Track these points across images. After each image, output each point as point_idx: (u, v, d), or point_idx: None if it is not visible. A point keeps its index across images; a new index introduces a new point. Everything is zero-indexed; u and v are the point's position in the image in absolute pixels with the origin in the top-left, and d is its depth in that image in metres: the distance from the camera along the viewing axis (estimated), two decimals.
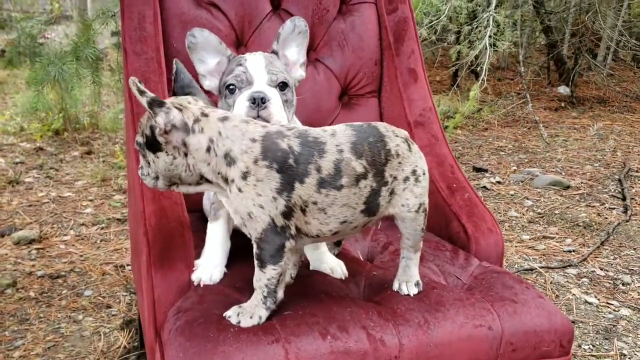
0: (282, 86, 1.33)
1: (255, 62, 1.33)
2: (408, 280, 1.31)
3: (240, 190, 1.11)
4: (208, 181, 1.16)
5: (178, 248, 1.29)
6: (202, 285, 1.28)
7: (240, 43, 1.77)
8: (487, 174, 4.17)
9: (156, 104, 1.09)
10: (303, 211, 1.15)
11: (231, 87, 1.33)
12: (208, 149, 1.12)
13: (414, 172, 1.24)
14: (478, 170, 4.22)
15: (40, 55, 3.01)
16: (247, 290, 1.25)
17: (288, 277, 1.29)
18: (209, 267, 1.31)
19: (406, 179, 1.23)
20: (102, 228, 3.05)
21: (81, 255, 2.75)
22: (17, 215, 3.14)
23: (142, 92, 1.08)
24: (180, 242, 1.30)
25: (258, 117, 1.27)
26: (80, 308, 2.30)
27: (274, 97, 1.29)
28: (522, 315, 1.25)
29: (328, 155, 1.15)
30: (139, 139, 1.16)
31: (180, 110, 1.12)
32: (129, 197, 1.79)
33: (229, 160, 1.12)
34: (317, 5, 1.80)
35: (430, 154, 1.69)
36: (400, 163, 1.22)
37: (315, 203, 1.14)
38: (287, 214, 1.12)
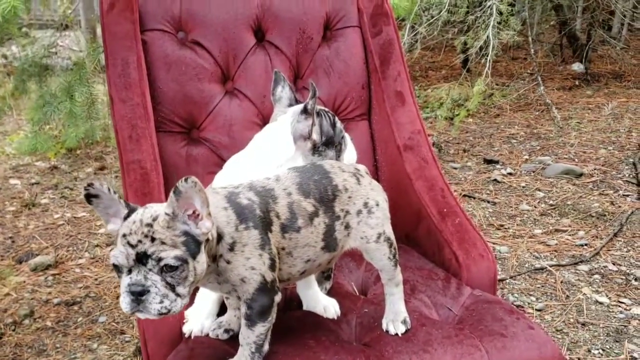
0: None
1: None
2: (395, 318, 1.32)
3: (228, 262, 1.11)
4: None
5: None
6: (192, 338, 1.31)
7: (226, 78, 1.78)
8: (498, 166, 4.14)
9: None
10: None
11: (343, 135, 1.45)
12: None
13: (365, 204, 1.26)
14: (489, 162, 4.18)
15: (48, 71, 3.05)
16: (237, 340, 1.27)
17: (237, 327, 1.29)
18: (200, 318, 1.33)
19: (359, 212, 1.26)
20: None
21: (96, 279, 2.81)
22: (33, 240, 3.21)
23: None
24: None
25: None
26: (95, 336, 2.36)
27: None
28: (512, 350, 1.26)
29: (280, 200, 1.18)
30: (176, 252, 1.01)
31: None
32: None
33: (219, 237, 1.10)
34: (300, 35, 1.80)
35: (420, 178, 1.69)
36: (350, 197, 1.25)
37: (283, 248, 1.18)
38: (272, 266, 1.14)
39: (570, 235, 3.17)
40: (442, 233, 1.58)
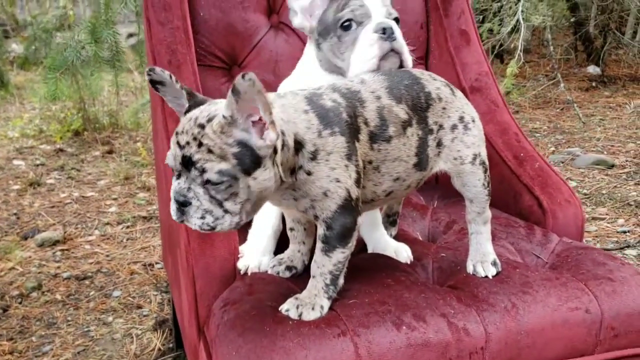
0: (397, 21, 1.19)
1: None
2: (483, 259, 1.14)
3: (309, 173, 0.93)
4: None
5: (220, 233, 1.12)
6: (249, 274, 1.12)
7: (272, 10, 1.61)
8: None
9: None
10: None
11: (347, 23, 1.16)
12: (282, 144, 0.90)
13: (461, 118, 1.09)
14: None
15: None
16: (299, 278, 1.09)
17: (300, 265, 1.14)
18: (257, 253, 1.14)
19: (453, 127, 1.08)
20: (128, 227, 2.91)
21: (107, 255, 2.61)
22: (39, 217, 3.01)
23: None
24: None
25: (391, 51, 1.13)
26: (110, 309, 2.16)
27: (398, 29, 1.15)
28: (623, 295, 1.08)
29: (368, 104, 1.00)
30: (221, 166, 0.84)
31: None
32: (158, 184, 1.64)
33: (298, 145, 0.93)
34: None
35: (491, 122, 1.51)
36: (444, 109, 1.08)
37: (370, 162, 1.00)
38: (358, 180, 0.96)
39: (609, 223, 2.99)
40: (521, 178, 1.40)
